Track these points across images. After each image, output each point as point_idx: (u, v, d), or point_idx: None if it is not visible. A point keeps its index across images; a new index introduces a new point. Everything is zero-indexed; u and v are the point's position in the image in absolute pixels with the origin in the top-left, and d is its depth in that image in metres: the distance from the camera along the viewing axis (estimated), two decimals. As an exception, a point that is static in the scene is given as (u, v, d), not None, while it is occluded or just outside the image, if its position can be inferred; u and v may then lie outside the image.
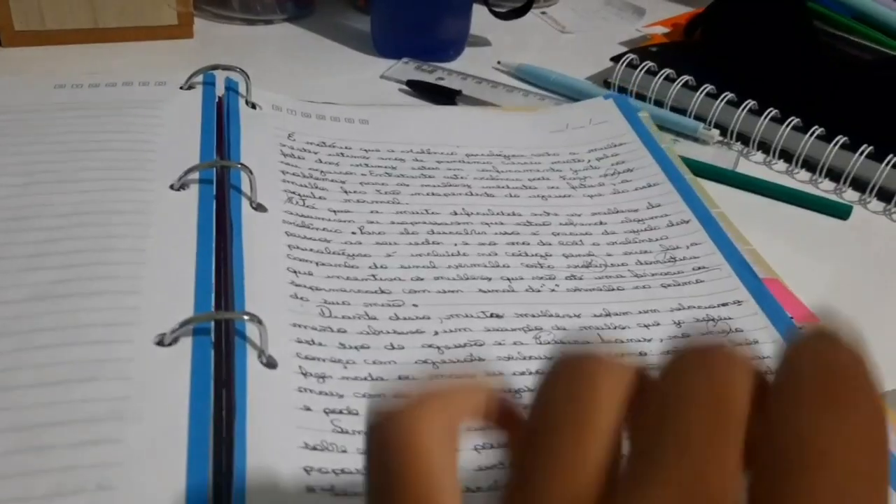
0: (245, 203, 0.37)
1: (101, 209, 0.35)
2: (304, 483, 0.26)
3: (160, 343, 0.29)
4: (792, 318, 0.36)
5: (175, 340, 0.29)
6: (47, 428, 0.26)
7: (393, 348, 0.33)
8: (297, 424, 0.28)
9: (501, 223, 0.41)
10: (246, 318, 0.30)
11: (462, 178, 0.43)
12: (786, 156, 0.52)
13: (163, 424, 0.27)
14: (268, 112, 0.45)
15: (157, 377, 0.28)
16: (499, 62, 0.61)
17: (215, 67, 0.45)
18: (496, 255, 0.38)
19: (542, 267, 0.38)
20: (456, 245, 0.39)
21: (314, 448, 0.28)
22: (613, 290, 0.37)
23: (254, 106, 0.44)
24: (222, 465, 0.26)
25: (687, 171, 0.46)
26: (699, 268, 0.39)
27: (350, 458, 0.28)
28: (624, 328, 0.35)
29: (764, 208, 0.48)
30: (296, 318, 0.33)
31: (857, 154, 0.49)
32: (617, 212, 0.43)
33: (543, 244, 0.40)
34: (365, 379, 0.31)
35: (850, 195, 0.50)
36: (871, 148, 0.49)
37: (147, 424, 0.26)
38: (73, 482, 0.25)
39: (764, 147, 0.53)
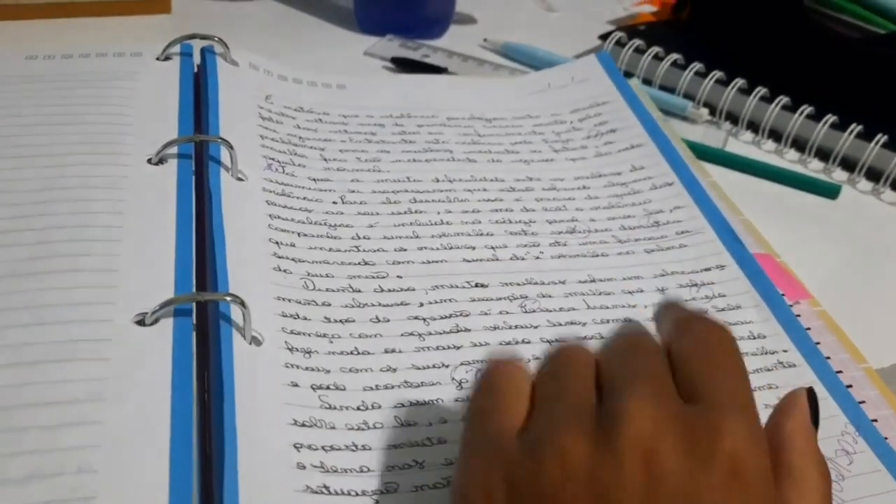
0: (224, 175, 0.36)
1: (76, 184, 0.34)
2: (295, 460, 0.26)
3: (140, 323, 0.29)
4: (784, 294, 0.36)
5: (156, 321, 0.29)
6: (22, 409, 0.25)
7: (378, 321, 0.32)
8: (285, 401, 0.28)
9: (484, 189, 0.40)
10: (228, 299, 0.29)
11: (444, 142, 0.43)
12: (775, 135, 0.51)
13: (145, 405, 0.26)
14: (245, 70, 0.43)
15: (137, 358, 0.28)
16: (485, 40, 0.59)
17: (192, 37, 0.44)
18: (480, 222, 0.38)
19: (525, 234, 0.38)
20: (439, 213, 0.38)
21: (303, 424, 0.28)
22: (598, 256, 0.37)
23: (235, 63, 0.43)
24: (206, 447, 0.26)
25: (672, 132, 0.46)
26: (682, 232, 0.39)
27: (339, 435, 0.28)
28: (609, 294, 0.35)
29: (753, 188, 0.48)
30: (279, 291, 0.32)
31: (846, 133, 0.48)
32: (600, 175, 0.42)
33: (527, 210, 0.39)
34: (351, 353, 0.31)
35: (839, 175, 0.49)
36: (860, 127, 0.48)
37: (128, 406, 0.26)
38: (51, 464, 0.24)
39: (753, 126, 0.52)
